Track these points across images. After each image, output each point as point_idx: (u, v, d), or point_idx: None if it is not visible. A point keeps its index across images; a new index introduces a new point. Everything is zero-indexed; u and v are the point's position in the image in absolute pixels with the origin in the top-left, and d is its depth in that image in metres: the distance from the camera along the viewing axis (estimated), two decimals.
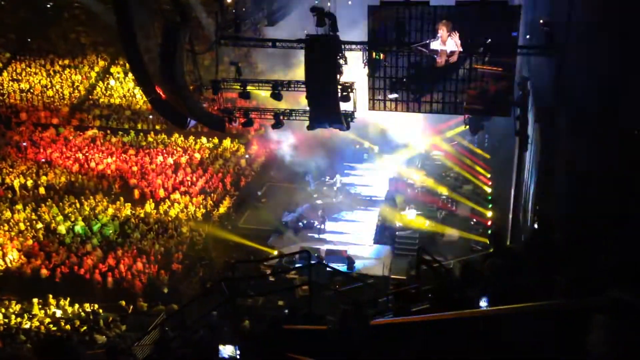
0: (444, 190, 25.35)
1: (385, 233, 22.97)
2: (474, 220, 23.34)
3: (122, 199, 24.13)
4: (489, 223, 22.86)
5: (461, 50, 16.48)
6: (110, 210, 23.29)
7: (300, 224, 23.85)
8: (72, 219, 22.81)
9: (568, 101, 13.95)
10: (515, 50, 16.31)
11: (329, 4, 22.58)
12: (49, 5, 36.05)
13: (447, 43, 16.55)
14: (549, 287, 4.21)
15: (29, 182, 25.49)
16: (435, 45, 16.64)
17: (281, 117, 19.24)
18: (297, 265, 19.33)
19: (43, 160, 27.53)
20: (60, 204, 23.91)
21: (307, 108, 18.24)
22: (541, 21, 16.94)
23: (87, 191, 24.98)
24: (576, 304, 2.47)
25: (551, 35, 15.78)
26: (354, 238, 23.09)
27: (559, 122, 13.94)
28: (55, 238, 21.68)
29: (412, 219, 23.30)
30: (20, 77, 33.41)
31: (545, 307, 2.67)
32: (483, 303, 4.56)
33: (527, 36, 19.14)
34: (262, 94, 22.32)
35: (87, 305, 18.21)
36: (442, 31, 16.39)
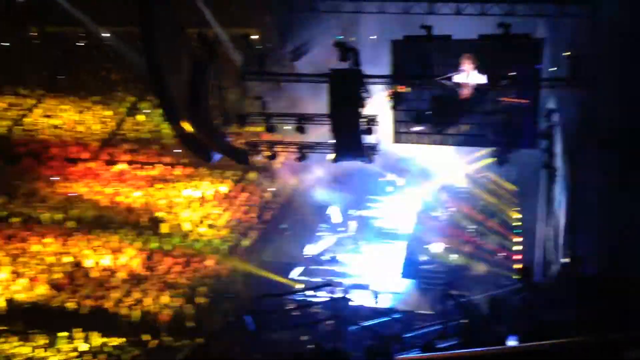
0: (470, 223, 25.00)
1: (411, 266, 22.69)
2: (502, 254, 22.91)
3: (149, 232, 24.34)
4: (517, 257, 22.41)
5: (485, 83, 16.47)
6: (138, 244, 23.49)
7: (324, 256, 23.72)
8: (100, 253, 23.05)
9: (596, 133, 13.79)
10: (539, 82, 16.23)
11: (351, 39, 22.90)
12: (80, 44, 37.13)
13: (470, 76, 16.55)
14: (581, 323, 4.08)
15: (58, 216, 25.92)
16: (459, 78, 16.65)
17: (305, 150, 19.34)
18: (321, 299, 19.15)
19: (72, 194, 28.01)
20: (88, 237, 24.22)
21: (332, 141, 18.32)
22: (566, 54, 16.89)
23: (115, 225, 25.29)
24: (609, 339, 2.38)
25: (576, 67, 15.69)
26: (380, 271, 22.85)
27: (587, 155, 13.77)
28: (82, 271, 21.89)
29: (438, 252, 22.99)
30: (51, 114, 34.31)
31: (578, 344, 2.58)
32: (512, 342, 4.44)
33: (553, 68, 19.07)
34: (287, 127, 22.51)
35: (112, 339, 18.23)
36: (466, 64, 16.41)
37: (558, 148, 16.83)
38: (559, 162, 16.77)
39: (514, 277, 20.28)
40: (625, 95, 11.97)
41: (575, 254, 7.81)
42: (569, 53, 16.72)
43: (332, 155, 18.57)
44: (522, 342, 4.32)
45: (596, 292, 4.78)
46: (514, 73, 16.01)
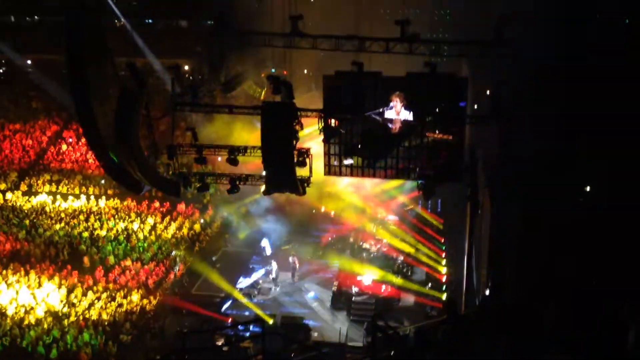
0: (399, 256, 25.47)
1: (341, 299, 22.74)
2: (429, 285, 23.40)
3: (69, 266, 23.27)
4: (444, 288, 22.96)
5: (412, 119, 17.01)
6: (57, 279, 22.37)
7: (255, 290, 23.43)
8: (16, 289, 21.77)
9: (515, 167, 14.49)
10: (463, 119, 16.95)
11: (284, 72, 23.17)
12: (0, 70, 35.72)
13: (400, 112, 17.07)
14: (496, 351, 4.22)
15: None
16: (389, 114, 17.11)
17: (237, 182, 19.19)
18: (251, 333, 18.82)
19: None
20: (4, 272, 22.87)
21: (264, 173, 18.29)
22: (488, 92, 17.78)
23: (34, 259, 24.02)
24: None
25: (497, 105, 16.52)
26: (311, 303, 22.78)
27: (506, 188, 14.41)
28: None
29: (368, 284, 23.20)
30: None
31: None
32: None
33: (475, 106, 19.99)
34: (219, 159, 22.32)
35: None
36: (396, 100, 16.92)
37: (481, 182, 17.53)
38: (481, 196, 17.45)
39: (440, 308, 20.74)
40: (539, 130, 12.72)
41: (496, 286, 8.09)
42: (490, 91, 17.61)
43: (264, 187, 18.54)
44: None
45: (512, 322, 4.98)
46: (439, 110, 16.60)
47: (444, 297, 21.72)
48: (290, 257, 24.69)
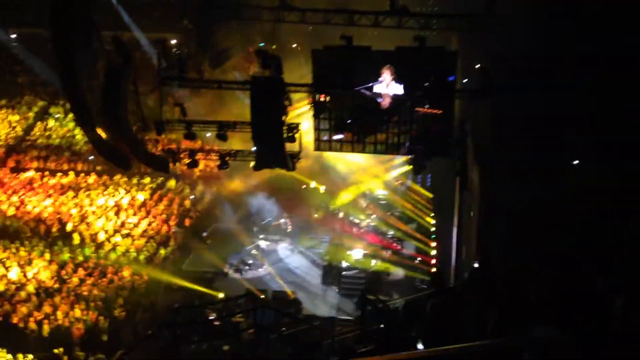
0: (389, 230, 25.64)
1: (331, 273, 22.92)
2: (419, 258, 23.64)
3: (60, 243, 23.23)
4: (433, 261, 23.20)
5: (402, 93, 16.97)
6: (47, 255, 22.35)
7: (246, 265, 23.56)
8: (7, 265, 21.75)
9: (504, 142, 14.55)
10: (452, 93, 16.93)
11: (273, 47, 22.92)
12: None
13: (390, 86, 17.01)
14: (483, 325, 4.30)
15: None
16: (379, 88, 17.05)
17: (227, 158, 19.14)
18: (243, 308, 18.96)
19: None
20: None
21: (253, 149, 18.25)
22: (477, 66, 17.72)
23: (23, 235, 23.95)
24: (501, 345, 2.54)
25: (487, 79, 16.49)
26: (301, 279, 22.95)
27: (496, 163, 14.48)
28: None
29: (358, 258, 23.39)
30: None
31: (473, 349, 2.73)
32: (420, 345, 4.61)
33: (465, 80, 19.93)
34: (208, 135, 22.20)
35: (20, 355, 17.26)
36: (385, 74, 16.84)
37: (470, 156, 17.61)
38: (470, 171, 17.54)
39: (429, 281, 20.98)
40: (530, 107, 12.74)
41: (484, 258, 8.22)
42: (479, 65, 17.55)
43: (253, 163, 18.51)
44: (430, 347, 4.50)
45: (499, 294, 5.07)
46: (428, 84, 16.56)
47: (432, 270, 21.96)
48: (283, 220, 24.92)
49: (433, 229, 26.13)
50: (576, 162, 13.06)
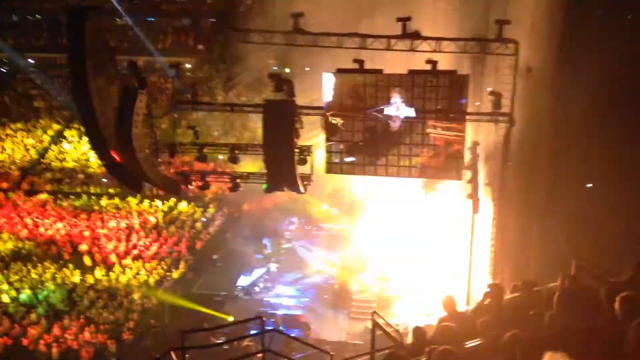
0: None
1: (341, 296, 22.72)
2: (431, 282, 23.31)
3: (71, 265, 23.30)
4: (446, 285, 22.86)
5: (414, 116, 16.98)
6: (59, 278, 22.39)
7: (256, 288, 23.44)
8: (18, 287, 21.81)
9: (515, 164, 14.46)
10: (464, 116, 16.90)
11: (286, 70, 23.09)
12: (2, 70, 35.74)
13: (400, 109, 17.04)
14: (494, 349, 4.21)
15: None
16: (389, 110, 17.09)
17: (238, 180, 19.19)
18: (251, 332, 18.79)
19: None
20: (6, 271, 22.90)
21: (265, 171, 18.28)
22: (489, 89, 17.71)
23: (35, 258, 24.06)
24: None
25: (498, 102, 16.48)
26: (312, 302, 22.77)
27: (505, 186, 14.38)
28: None
29: (368, 282, 23.17)
30: None
31: None
32: None
33: (477, 103, 19.92)
34: (220, 157, 22.31)
35: None
36: (396, 98, 16.88)
37: (481, 179, 17.49)
38: (481, 193, 17.41)
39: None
40: (538, 129, 12.70)
41: (494, 284, 8.11)
42: (491, 89, 17.53)
43: (265, 186, 18.52)
44: None
45: (510, 320, 4.98)
46: (440, 107, 16.57)
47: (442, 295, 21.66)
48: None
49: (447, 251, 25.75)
50: (589, 185, 12.96)
